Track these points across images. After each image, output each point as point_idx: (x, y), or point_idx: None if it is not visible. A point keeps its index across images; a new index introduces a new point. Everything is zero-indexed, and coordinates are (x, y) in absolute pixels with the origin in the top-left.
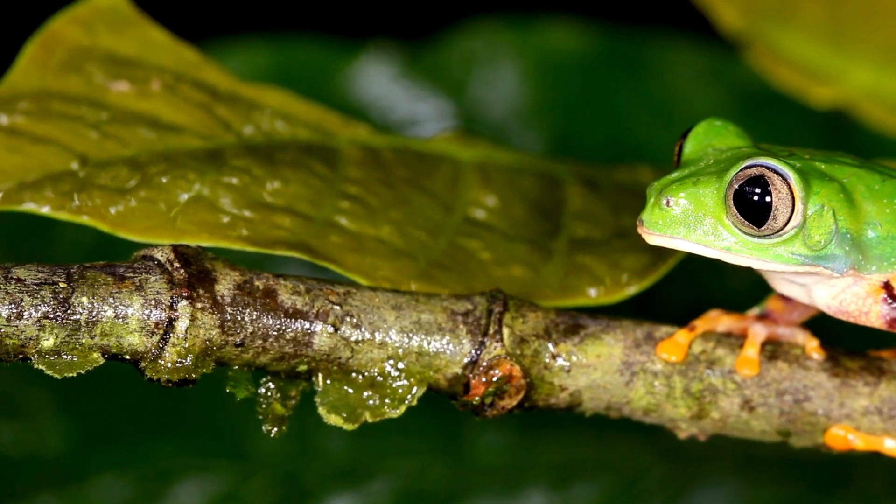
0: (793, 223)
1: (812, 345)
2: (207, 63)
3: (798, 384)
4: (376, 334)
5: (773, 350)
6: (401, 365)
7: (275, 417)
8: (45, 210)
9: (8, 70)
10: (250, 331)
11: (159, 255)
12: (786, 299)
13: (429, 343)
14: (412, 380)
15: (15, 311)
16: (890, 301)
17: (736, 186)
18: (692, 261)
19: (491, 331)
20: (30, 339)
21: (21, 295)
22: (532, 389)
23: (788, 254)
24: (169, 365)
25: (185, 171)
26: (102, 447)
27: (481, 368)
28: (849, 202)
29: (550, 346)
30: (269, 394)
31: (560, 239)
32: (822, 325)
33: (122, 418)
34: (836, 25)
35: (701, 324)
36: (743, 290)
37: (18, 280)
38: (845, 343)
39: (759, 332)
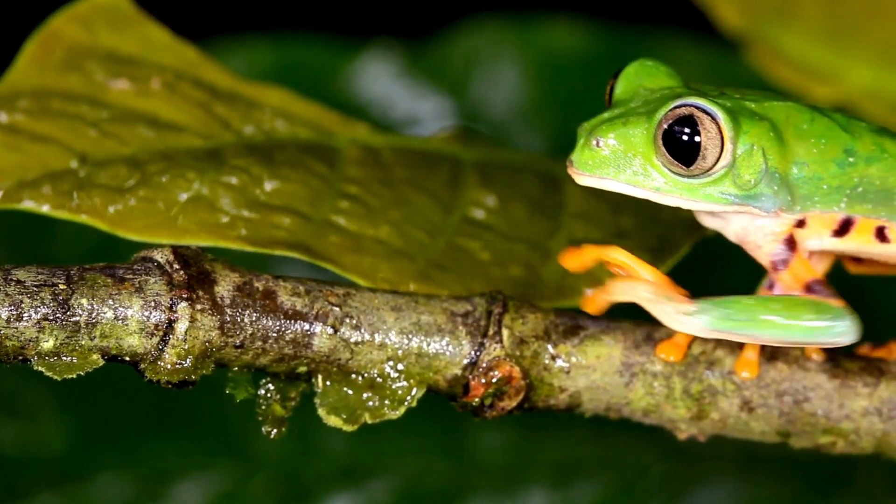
0: (722, 163)
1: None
2: (207, 62)
3: (797, 385)
4: (376, 335)
5: (773, 351)
6: (400, 366)
7: (274, 418)
8: (45, 209)
9: (8, 68)
10: (250, 332)
11: (159, 256)
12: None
13: (428, 344)
14: (412, 381)
15: (15, 312)
16: (787, 245)
17: (665, 126)
18: (692, 261)
19: (490, 332)
20: (29, 340)
21: (21, 297)
22: (532, 390)
23: (718, 193)
24: (168, 366)
25: (185, 170)
26: (103, 447)
27: (481, 369)
28: (779, 141)
29: (550, 347)
30: (268, 395)
31: (559, 239)
32: None
33: (123, 418)
34: (837, 25)
35: None
36: (743, 291)
37: (18, 282)
38: None
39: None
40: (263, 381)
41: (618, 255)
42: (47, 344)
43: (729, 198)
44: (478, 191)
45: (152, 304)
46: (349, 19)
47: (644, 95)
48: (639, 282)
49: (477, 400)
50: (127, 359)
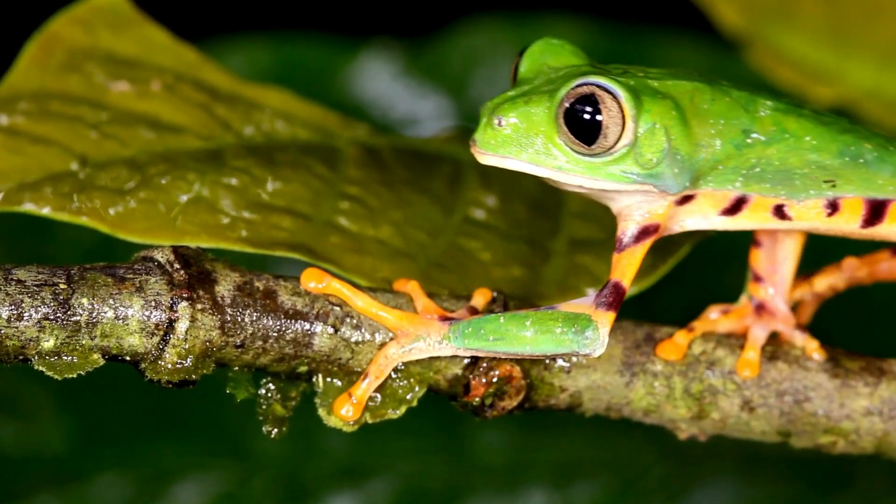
0: (623, 141)
1: (812, 346)
2: (207, 63)
3: (798, 385)
4: (376, 335)
5: (774, 351)
6: (401, 366)
7: (275, 418)
8: (45, 211)
9: (8, 70)
10: (250, 332)
11: (159, 256)
12: (757, 278)
13: None
14: (412, 380)
15: (15, 312)
16: (643, 231)
17: (566, 105)
18: (693, 262)
19: None
20: (30, 340)
21: (21, 296)
22: (532, 390)
23: (620, 172)
24: (169, 366)
25: (185, 171)
26: (103, 447)
27: (481, 369)
28: (681, 120)
29: None
30: (269, 395)
31: (560, 239)
32: (823, 324)
33: (123, 418)
34: (837, 25)
35: (700, 325)
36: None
37: (19, 281)
38: (846, 343)
39: (759, 336)
40: (264, 380)
41: (337, 287)
42: (48, 343)
43: (631, 176)
44: (478, 191)
45: (153, 303)
46: (348, 19)
47: (548, 74)
48: (386, 347)
49: (477, 399)
50: (127, 358)
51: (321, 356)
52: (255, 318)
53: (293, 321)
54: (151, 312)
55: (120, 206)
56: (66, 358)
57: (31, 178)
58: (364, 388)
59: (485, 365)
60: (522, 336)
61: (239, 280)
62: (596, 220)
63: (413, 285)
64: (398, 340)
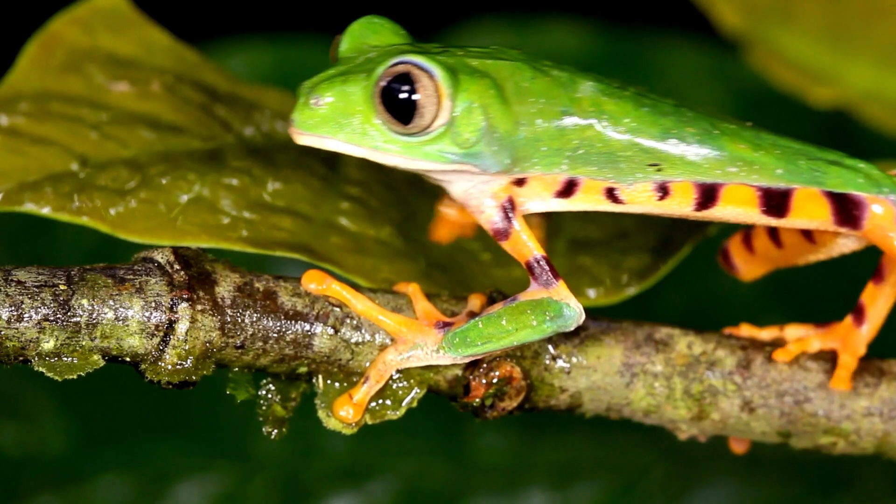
0: (440, 120)
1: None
2: (207, 64)
3: (798, 385)
4: (376, 336)
5: (773, 351)
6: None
7: (275, 419)
8: (46, 211)
9: (8, 71)
10: (250, 333)
11: (159, 257)
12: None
13: None
14: (412, 381)
15: (15, 313)
16: (504, 213)
17: (383, 84)
18: (693, 262)
19: None
20: (30, 341)
21: (21, 297)
22: (532, 391)
23: (437, 152)
24: (169, 367)
25: (186, 171)
26: (103, 448)
27: (481, 370)
28: (500, 99)
29: (550, 347)
30: (269, 395)
31: (560, 240)
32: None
33: (123, 419)
34: (836, 26)
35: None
36: (743, 291)
37: (19, 282)
38: None
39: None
40: (264, 381)
41: (338, 290)
42: (48, 344)
43: (448, 156)
44: None
45: (153, 304)
46: (349, 20)
47: (368, 53)
48: (385, 352)
49: (477, 400)
50: (127, 359)
51: (321, 357)
52: (255, 319)
53: (293, 322)
54: (151, 313)
55: (120, 206)
56: (66, 359)
57: (31, 179)
58: (364, 392)
59: (485, 366)
60: (506, 333)
61: (239, 281)
62: (595, 221)
63: (414, 288)
64: (396, 347)
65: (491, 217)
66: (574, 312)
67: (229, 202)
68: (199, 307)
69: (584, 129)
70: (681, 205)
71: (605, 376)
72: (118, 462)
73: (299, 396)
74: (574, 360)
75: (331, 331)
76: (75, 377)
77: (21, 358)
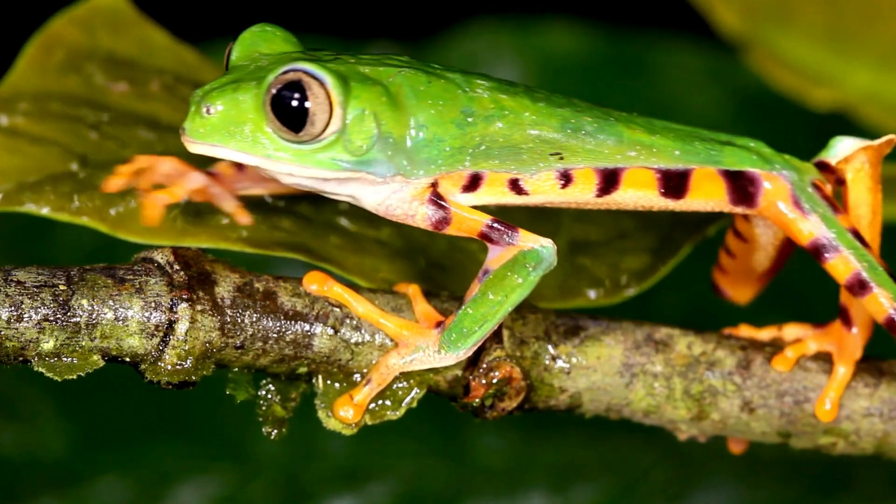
0: (331, 128)
1: (240, 216)
2: (207, 64)
3: (798, 385)
4: (376, 336)
5: (773, 352)
6: None
7: (275, 419)
8: (45, 211)
9: (8, 71)
10: (250, 333)
11: (159, 257)
12: (238, 167)
13: None
14: (412, 381)
15: (15, 313)
16: (435, 203)
17: (274, 92)
18: (693, 262)
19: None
20: (30, 341)
21: (21, 297)
22: (532, 391)
23: (329, 160)
24: (169, 367)
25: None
26: (103, 449)
27: (481, 370)
28: (392, 106)
29: (550, 347)
30: (269, 396)
31: (560, 240)
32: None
33: (123, 421)
34: (836, 28)
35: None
36: None
37: (18, 283)
38: None
39: (194, 179)
40: (264, 381)
41: (339, 292)
42: (48, 345)
43: (340, 164)
44: None
45: (153, 304)
46: (349, 22)
47: (259, 61)
48: (387, 356)
49: (477, 401)
50: (127, 360)
51: (321, 357)
52: (254, 319)
53: (293, 322)
54: (151, 314)
55: (120, 207)
56: (65, 359)
57: (31, 179)
58: (365, 393)
59: (484, 366)
60: (497, 304)
61: (239, 281)
62: (596, 221)
63: (414, 289)
64: (399, 351)
65: (425, 214)
66: (549, 248)
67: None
68: (198, 307)
69: (486, 126)
70: (583, 191)
71: (604, 376)
72: (118, 463)
73: (299, 397)
74: (574, 360)
75: (330, 331)
76: (75, 377)
77: (21, 358)
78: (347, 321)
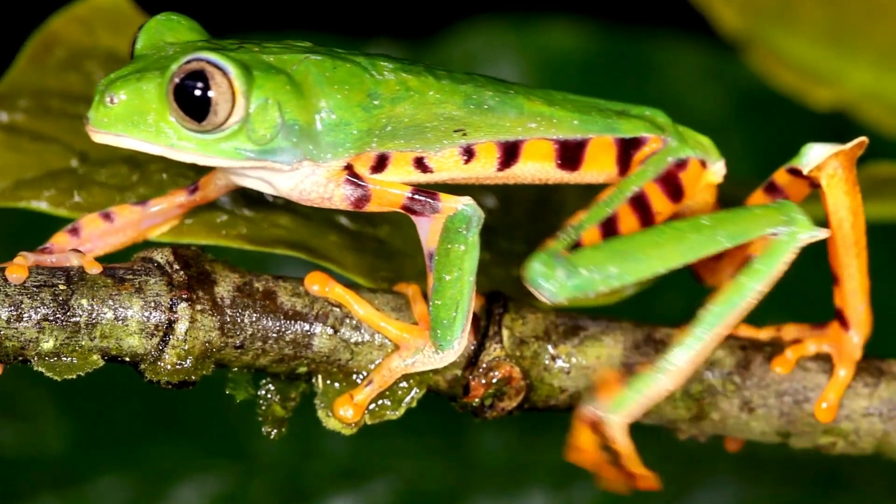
0: (234, 118)
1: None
2: None
3: (797, 385)
4: (376, 336)
5: (772, 352)
6: None
7: (274, 419)
8: (43, 206)
9: (8, 68)
10: (250, 333)
11: (159, 257)
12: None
13: None
14: (412, 381)
15: (15, 313)
16: (352, 182)
17: (177, 81)
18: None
19: (490, 332)
20: (29, 341)
21: (21, 297)
22: (532, 391)
23: (233, 149)
24: (168, 367)
25: (185, 168)
26: (103, 448)
27: (481, 370)
28: (297, 93)
29: (550, 347)
30: (268, 395)
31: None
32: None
33: (123, 420)
34: (836, 27)
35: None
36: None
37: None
38: None
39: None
40: (263, 381)
41: (340, 294)
42: (47, 344)
43: (244, 153)
44: (478, 191)
45: (152, 304)
46: (349, 20)
47: (164, 50)
48: (390, 358)
49: (477, 400)
50: (127, 359)
51: (321, 357)
52: (254, 318)
53: (293, 322)
54: (151, 313)
55: (120, 203)
56: (65, 359)
57: (29, 175)
58: (366, 394)
59: (484, 366)
60: (457, 281)
61: (238, 281)
62: None
63: (413, 290)
64: (400, 354)
65: (343, 195)
66: (470, 204)
67: (228, 199)
68: (198, 307)
69: (392, 108)
70: (485, 166)
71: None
72: (118, 462)
73: (299, 396)
74: (573, 360)
75: (330, 331)
76: (75, 377)
77: (20, 358)
78: (347, 321)
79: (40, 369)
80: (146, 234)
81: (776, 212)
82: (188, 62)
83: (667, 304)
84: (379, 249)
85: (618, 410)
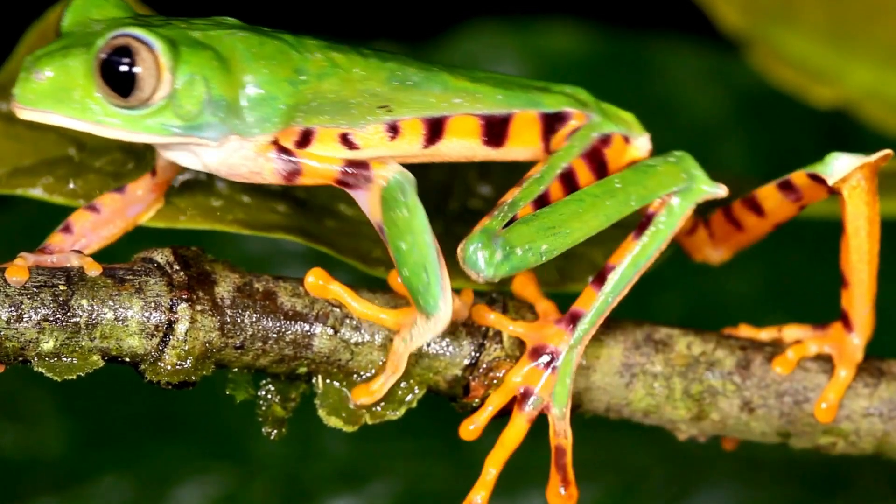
0: (160, 94)
1: (91, 268)
2: None
3: (798, 385)
4: (376, 336)
5: (772, 352)
6: None
7: (275, 419)
8: (38, 193)
9: (7, 59)
10: (250, 333)
11: (159, 257)
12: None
13: (428, 345)
14: (412, 382)
15: (15, 313)
16: (281, 156)
17: (102, 57)
18: (693, 262)
19: (490, 332)
20: (30, 341)
21: (21, 297)
22: None
23: (159, 125)
24: (169, 367)
25: None
26: (103, 449)
27: (481, 370)
28: (223, 69)
29: None
30: (268, 396)
31: None
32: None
33: (123, 421)
34: (837, 26)
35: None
36: (743, 292)
37: None
38: None
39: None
40: (263, 381)
41: (337, 290)
42: (47, 345)
43: (170, 129)
44: (475, 181)
45: (152, 304)
46: (349, 22)
47: (90, 27)
48: (393, 344)
49: (477, 401)
50: (127, 360)
51: (321, 357)
52: (254, 319)
53: (293, 322)
54: (151, 314)
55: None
56: (65, 359)
57: (26, 163)
58: (381, 382)
59: (484, 366)
60: (414, 245)
61: (239, 281)
62: None
63: None
64: (400, 335)
65: (273, 168)
66: (400, 172)
67: (224, 184)
68: (198, 307)
69: (318, 83)
70: (411, 142)
71: (604, 376)
72: (118, 464)
73: (299, 397)
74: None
75: (330, 331)
76: (75, 377)
77: (21, 358)
78: (347, 321)
79: (40, 370)
80: (136, 221)
81: (677, 167)
82: (114, 38)
83: (667, 304)
84: (374, 234)
85: (557, 403)
